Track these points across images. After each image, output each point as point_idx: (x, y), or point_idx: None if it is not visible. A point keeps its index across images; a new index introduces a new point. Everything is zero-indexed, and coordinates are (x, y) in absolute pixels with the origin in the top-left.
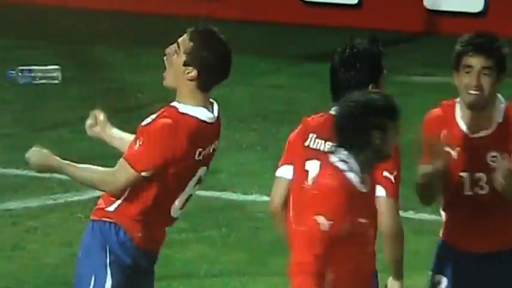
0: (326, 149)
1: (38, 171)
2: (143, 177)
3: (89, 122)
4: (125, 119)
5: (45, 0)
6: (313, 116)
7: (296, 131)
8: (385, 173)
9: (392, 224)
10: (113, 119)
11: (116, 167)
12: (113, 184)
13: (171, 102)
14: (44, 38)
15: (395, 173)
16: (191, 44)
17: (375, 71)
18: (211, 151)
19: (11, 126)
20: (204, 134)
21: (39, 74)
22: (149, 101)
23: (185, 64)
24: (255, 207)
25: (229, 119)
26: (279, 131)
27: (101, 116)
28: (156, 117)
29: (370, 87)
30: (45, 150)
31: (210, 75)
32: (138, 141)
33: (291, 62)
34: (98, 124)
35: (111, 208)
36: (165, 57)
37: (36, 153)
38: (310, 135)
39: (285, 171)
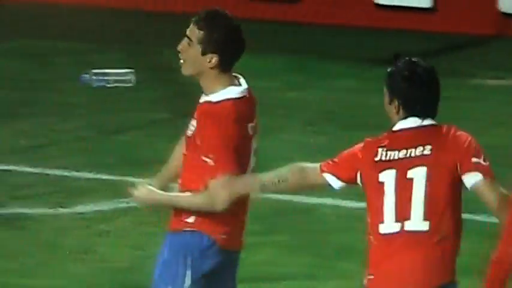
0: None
1: (145, 207)
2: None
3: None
4: None
5: (113, 4)
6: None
7: (359, 148)
8: (474, 159)
9: (502, 197)
10: (181, 122)
11: (210, 188)
12: (218, 203)
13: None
14: (116, 41)
15: (482, 156)
16: (201, 32)
17: None
18: (255, 120)
19: (84, 129)
20: (245, 109)
21: (113, 78)
22: None
23: (203, 54)
24: (325, 211)
25: (299, 122)
26: (348, 134)
27: (145, 188)
28: (199, 123)
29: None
30: (150, 186)
31: (229, 54)
32: (209, 157)
33: (361, 65)
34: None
35: (191, 219)
36: (179, 55)
37: (144, 191)
38: (379, 150)
39: (332, 180)
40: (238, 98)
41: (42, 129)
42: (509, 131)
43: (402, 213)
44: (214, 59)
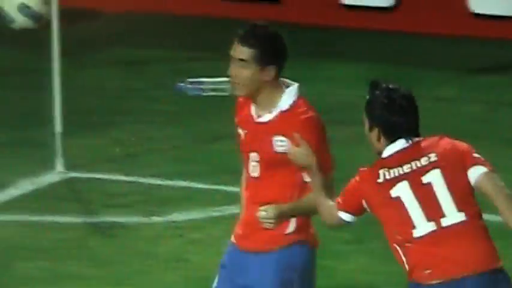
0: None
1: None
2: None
3: None
4: None
5: (206, 13)
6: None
7: (355, 180)
8: (474, 155)
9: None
10: None
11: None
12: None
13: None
14: (210, 49)
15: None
16: (254, 49)
17: None
18: None
19: (180, 138)
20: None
21: (209, 86)
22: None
23: (262, 69)
24: None
25: None
26: None
27: None
28: (304, 137)
29: None
30: (274, 205)
31: (283, 60)
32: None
33: (458, 74)
34: None
35: (291, 228)
36: (232, 79)
37: (270, 210)
38: (380, 171)
39: (346, 217)
40: (302, 95)
41: (137, 138)
42: None
43: (433, 213)
44: (273, 71)
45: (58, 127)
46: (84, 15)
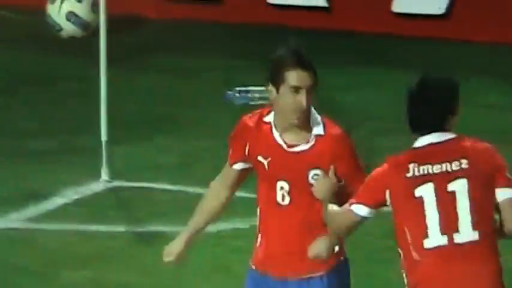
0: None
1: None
2: None
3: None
4: None
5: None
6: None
7: (383, 168)
8: (507, 175)
9: None
10: None
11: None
12: None
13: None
14: (259, 57)
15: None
16: (315, 72)
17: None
18: None
19: (225, 147)
20: None
21: (257, 95)
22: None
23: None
24: None
25: None
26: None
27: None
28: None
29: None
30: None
31: None
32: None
33: (503, 81)
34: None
35: (337, 247)
36: (302, 110)
37: (323, 248)
38: (411, 165)
39: (362, 211)
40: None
41: (184, 146)
42: None
43: (448, 226)
44: None
45: (104, 135)
46: (131, 22)
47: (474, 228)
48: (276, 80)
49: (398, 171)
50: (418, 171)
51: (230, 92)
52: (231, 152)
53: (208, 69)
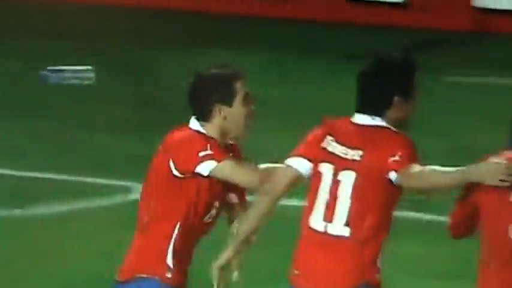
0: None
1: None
2: None
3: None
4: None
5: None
6: (334, 120)
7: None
8: (391, 159)
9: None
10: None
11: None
12: None
13: None
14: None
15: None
16: None
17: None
18: None
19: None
20: None
21: (70, 75)
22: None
23: None
24: None
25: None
26: None
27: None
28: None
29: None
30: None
31: None
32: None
33: None
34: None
35: None
36: None
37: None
38: (328, 136)
39: (298, 163)
40: None
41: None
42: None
43: (328, 213)
44: None
45: None
46: None
47: (346, 224)
48: (229, 95)
49: (321, 136)
50: (329, 145)
51: (43, 72)
52: None
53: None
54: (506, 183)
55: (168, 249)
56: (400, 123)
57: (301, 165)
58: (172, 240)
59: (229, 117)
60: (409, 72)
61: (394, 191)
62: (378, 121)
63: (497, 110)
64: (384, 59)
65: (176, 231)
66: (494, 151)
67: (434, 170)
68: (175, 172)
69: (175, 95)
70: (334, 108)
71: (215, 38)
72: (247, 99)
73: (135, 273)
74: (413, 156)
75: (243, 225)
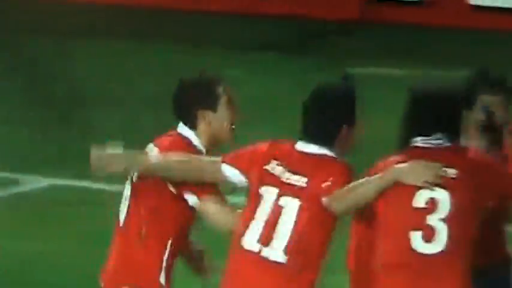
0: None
1: None
2: None
3: None
4: None
5: None
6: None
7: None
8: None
9: None
10: None
11: None
12: None
13: None
14: None
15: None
16: None
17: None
18: None
19: None
20: None
21: None
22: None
23: None
24: None
25: None
26: None
27: None
28: None
29: None
30: None
31: None
32: None
33: None
34: None
35: None
36: None
37: None
38: (273, 161)
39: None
40: None
41: None
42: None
43: (265, 237)
44: None
45: None
46: None
47: (285, 251)
48: (213, 99)
49: (265, 157)
50: (273, 169)
51: None
52: None
53: None
54: (428, 184)
55: (161, 266)
56: (345, 151)
57: (233, 174)
58: (165, 257)
59: (214, 122)
60: (353, 101)
61: (330, 218)
62: (323, 150)
63: (391, 102)
64: (328, 90)
65: (168, 249)
66: (392, 144)
67: (354, 185)
68: (171, 188)
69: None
70: None
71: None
72: (230, 103)
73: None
74: (345, 181)
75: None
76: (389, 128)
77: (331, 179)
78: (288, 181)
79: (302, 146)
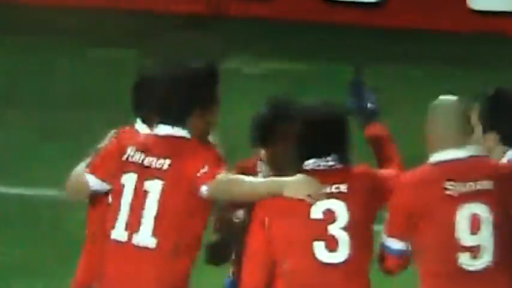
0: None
1: None
2: None
3: None
4: None
5: None
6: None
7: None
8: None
9: None
10: None
11: None
12: None
13: None
14: None
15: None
16: None
17: None
18: None
19: None
20: None
21: None
22: None
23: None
24: None
25: None
26: None
27: None
28: None
29: None
30: None
31: None
32: None
33: None
34: None
35: None
36: None
37: None
38: (129, 148)
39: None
40: None
41: None
42: None
43: (132, 224)
44: None
45: None
46: None
47: (153, 234)
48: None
49: (120, 149)
50: (132, 157)
51: None
52: None
53: None
54: (312, 199)
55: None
56: (201, 133)
57: (97, 183)
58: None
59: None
60: (210, 82)
61: (203, 204)
62: (179, 131)
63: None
64: (183, 68)
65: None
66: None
67: (243, 180)
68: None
69: None
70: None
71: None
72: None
73: None
74: (219, 165)
75: None
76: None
77: (206, 166)
78: (149, 164)
79: (158, 129)
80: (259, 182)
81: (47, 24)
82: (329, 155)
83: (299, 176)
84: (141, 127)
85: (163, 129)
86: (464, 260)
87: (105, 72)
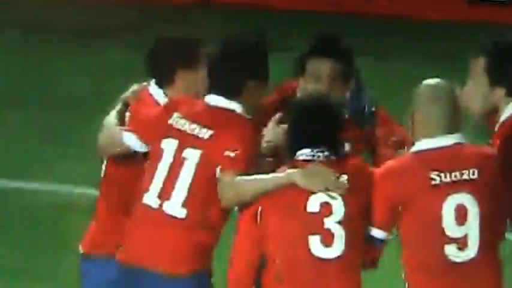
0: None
1: None
2: None
3: None
4: None
5: None
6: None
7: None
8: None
9: None
10: None
11: None
12: None
13: None
14: None
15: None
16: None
17: None
18: None
19: None
20: None
21: None
22: None
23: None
24: None
25: None
26: None
27: None
28: None
29: None
30: None
31: None
32: None
33: None
34: None
35: None
36: None
37: None
38: (175, 114)
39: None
40: None
41: None
42: None
43: (165, 191)
44: None
45: None
46: None
47: (183, 205)
48: (194, 60)
49: (168, 111)
50: (177, 123)
51: None
52: None
53: None
54: (325, 190)
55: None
56: (254, 106)
57: (135, 143)
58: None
59: (191, 83)
60: (263, 54)
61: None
62: (230, 104)
63: None
64: (236, 42)
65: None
66: None
67: (247, 180)
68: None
69: None
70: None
71: None
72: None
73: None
74: (248, 155)
75: None
76: None
77: (236, 150)
78: (191, 132)
79: (209, 99)
80: (271, 177)
81: (47, 24)
82: (322, 145)
83: (312, 167)
84: (155, 91)
85: (214, 100)
86: (451, 252)
87: (108, 73)
